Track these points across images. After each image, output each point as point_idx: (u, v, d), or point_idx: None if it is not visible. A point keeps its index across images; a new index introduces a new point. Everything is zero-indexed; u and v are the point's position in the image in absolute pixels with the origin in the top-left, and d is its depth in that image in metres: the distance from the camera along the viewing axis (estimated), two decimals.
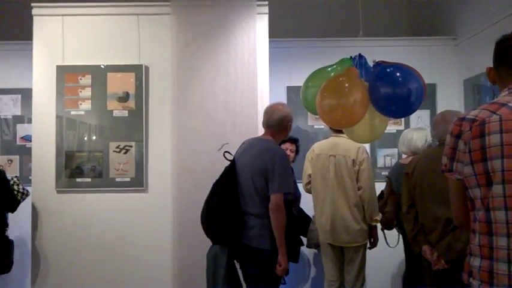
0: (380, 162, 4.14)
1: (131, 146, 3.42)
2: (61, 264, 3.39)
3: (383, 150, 4.11)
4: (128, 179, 3.41)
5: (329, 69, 2.71)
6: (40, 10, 3.51)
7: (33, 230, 3.41)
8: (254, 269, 2.42)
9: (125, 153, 3.42)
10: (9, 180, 3.31)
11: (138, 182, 3.41)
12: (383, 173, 3.91)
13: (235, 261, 2.53)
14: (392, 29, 4.75)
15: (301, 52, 4.22)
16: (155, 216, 3.40)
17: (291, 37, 4.35)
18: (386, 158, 4.11)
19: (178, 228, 3.33)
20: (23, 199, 3.36)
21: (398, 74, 2.34)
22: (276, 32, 3.72)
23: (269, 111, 2.61)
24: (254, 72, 3.35)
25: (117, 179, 3.42)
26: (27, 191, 3.40)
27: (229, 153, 2.60)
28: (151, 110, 3.46)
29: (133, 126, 3.43)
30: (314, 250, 3.91)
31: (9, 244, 3.24)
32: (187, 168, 3.35)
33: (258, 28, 3.42)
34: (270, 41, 3.49)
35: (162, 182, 3.41)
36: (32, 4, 3.51)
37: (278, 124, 2.56)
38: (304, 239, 3.52)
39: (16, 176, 3.51)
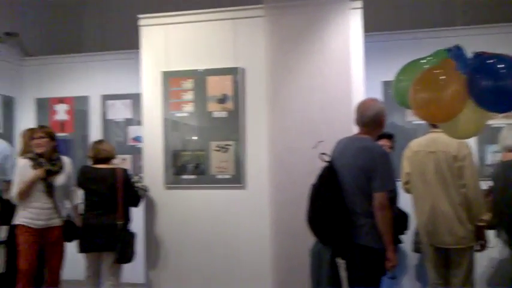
0: (488, 159, 3.84)
1: (230, 145, 3.59)
2: (169, 255, 3.69)
3: (492, 146, 3.80)
4: (228, 176, 3.59)
5: (423, 61, 2.58)
6: (146, 21, 3.83)
7: (145, 223, 3.75)
8: (361, 268, 2.41)
9: (225, 152, 3.60)
10: (132, 178, 3.64)
11: (237, 179, 3.57)
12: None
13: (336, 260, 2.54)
14: (495, 15, 4.36)
15: (397, 45, 4.08)
16: (254, 212, 3.54)
17: (387, 30, 4.22)
18: (496, 154, 3.80)
19: (276, 223, 3.43)
20: (144, 195, 3.68)
21: (501, 65, 2.16)
22: (370, 26, 3.63)
23: (361, 108, 2.57)
24: (348, 69, 3.31)
25: (218, 176, 3.62)
26: (146, 187, 3.71)
27: (325, 154, 2.61)
28: (249, 110, 3.60)
29: (232, 126, 3.60)
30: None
31: (132, 236, 3.48)
32: (283, 166, 3.43)
33: (352, 23, 3.38)
34: (364, 35, 3.43)
35: (259, 179, 3.53)
36: (138, 16, 3.84)
37: (372, 120, 2.51)
38: (402, 237, 3.41)
39: (138, 175, 3.88)
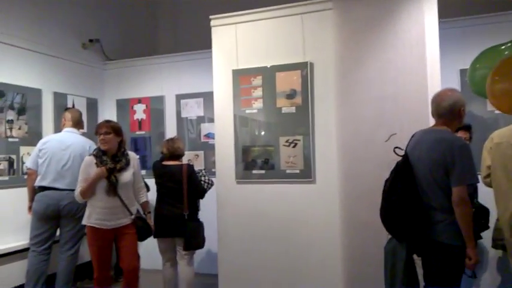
0: None
1: (299, 140, 3.61)
2: (239, 248, 3.78)
3: None
4: (297, 171, 3.61)
5: (502, 47, 2.41)
6: (217, 21, 3.95)
7: (217, 217, 3.89)
8: (439, 264, 2.32)
9: (294, 146, 3.63)
10: (197, 172, 3.86)
11: (307, 173, 3.58)
12: None
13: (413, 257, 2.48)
14: None
15: (475, 30, 3.85)
16: (323, 207, 3.53)
17: (464, 15, 3.99)
18: None
19: (346, 217, 3.40)
20: (209, 188, 3.89)
21: None
22: (446, 12, 3.46)
23: (437, 99, 2.46)
24: (423, 59, 3.18)
25: (288, 171, 3.65)
26: (211, 181, 3.92)
27: (400, 148, 2.53)
28: (317, 105, 3.59)
29: (301, 121, 3.61)
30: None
31: (198, 225, 3.73)
32: (353, 159, 3.39)
33: (426, 11, 3.23)
34: (440, 22, 3.27)
35: (329, 174, 3.51)
36: (210, 16, 3.97)
37: (449, 111, 2.39)
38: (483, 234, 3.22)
39: (204, 169, 4.09)
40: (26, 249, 3.92)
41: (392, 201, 2.41)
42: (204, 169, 4.20)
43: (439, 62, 3.23)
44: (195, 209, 3.79)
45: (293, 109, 3.65)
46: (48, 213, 3.75)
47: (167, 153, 3.79)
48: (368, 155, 3.30)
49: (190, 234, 3.65)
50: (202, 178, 3.90)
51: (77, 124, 4.11)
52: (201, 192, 3.80)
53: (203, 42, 4.45)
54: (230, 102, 3.85)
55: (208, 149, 4.90)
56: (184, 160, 3.98)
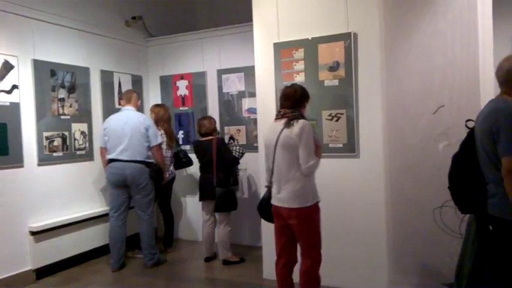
0: None
1: (342, 114, 3.56)
2: None
3: None
4: (340, 145, 3.57)
5: None
6: None
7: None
8: (498, 240, 2.25)
9: (337, 120, 3.58)
10: (228, 143, 4.50)
11: (350, 147, 3.54)
12: None
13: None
14: None
15: None
16: (367, 181, 3.48)
17: None
18: None
19: (391, 191, 3.36)
20: (240, 157, 4.42)
21: None
22: None
23: (497, 68, 2.33)
24: (475, 26, 3.01)
25: (330, 145, 3.62)
26: (243, 150, 4.48)
27: (472, 120, 2.44)
28: (361, 77, 3.50)
29: (344, 94, 3.55)
30: None
31: (228, 191, 4.26)
32: (399, 132, 3.31)
33: None
34: None
35: (373, 148, 3.45)
36: None
37: (506, 80, 2.26)
38: None
39: (236, 140, 4.68)
40: (105, 215, 4.55)
41: (452, 174, 2.41)
42: (236, 140, 4.73)
43: (491, 29, 3.06)
44: (227, 175, 4.28)
45: (336, 82, 3.59)
46: (116, 181, 4.21)
47: (199, 131, 4.41)
48: (414, 127, 3.21)
49: (219, 198, 4.22)
50: (234, 148, 4.43)
51: (132, 103, 4.44)
52: (231, 160, 4.28)
53: (243, 16, 4.42)
54: (272, 76, 3.83)
55: (250, 123, 4.94)
56: (227, 135, 4.35)
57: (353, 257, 3.56)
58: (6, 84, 3.85)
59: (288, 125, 2.72)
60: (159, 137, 4.41)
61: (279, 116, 2.83)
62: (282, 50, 3.78)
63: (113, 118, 4.34)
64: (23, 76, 4.02)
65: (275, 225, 2.91)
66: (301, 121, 2.72)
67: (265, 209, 2.91)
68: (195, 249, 4.94)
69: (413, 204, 3.22)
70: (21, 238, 3.94)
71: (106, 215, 4.52)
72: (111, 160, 4.23)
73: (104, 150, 4.36)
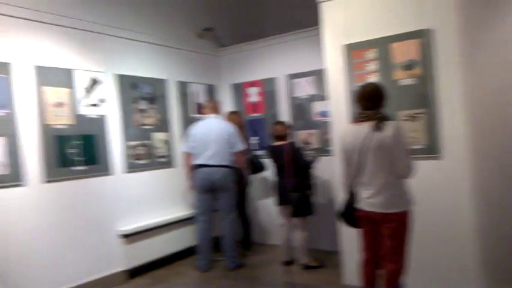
0: None
1: (421, 113, 3.42)
2: None
3: None
4: (421, 146, 3.43)
5: None
6: None
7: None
8: None
9: (415, 120, 3.45)
10: (301, 148, 4.54)
11: (432, 148, 3.39)
12: None
13: None
14: None
15: None
16: (451, 183, 3.31)
17: None
18: None
19: (479, 192, 3.16)
20: (313, 161, 4.40)
21: None
22: None
23: None
24: None
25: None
26: (316, 154, 4.58)
27: None
28: (440, 75, 3.35)
29: (421, 93, 3.41)
30: None
31: (303, 196, 4.26)
32: (485, 132, 3.12)
33: None
34: None
35: (456, 148, 3.27)
36: None
37: None
38: None
39: (308, 144, 4.81)
40: (188, 218, 4.87)
41: None
42: (309, 144, 4.87)
43: None
44: (301, 180, 4.27)
45: (412, 81, 3.46)
46: (204, 186, 4.42)
47: (272, 134, 4.46)
48: (502, 128, 3.01)
49: (295, 203, 4.24)
50: (307, 153, 4.52)
51: (215, 111, 4.65)
52: (303, 165, 4.30)
53: (310, 20, 4.43)
54: (343, 78, 3.79)
55: (322, 127, 4.91)
56: (299, 139, 4.30)
57: (439, 264, 3.39)
58: (94, 98, 4.19)
59: (377, 127, 2.64)
60: (241, 143, 4.57)
61: (361, 119, 2.76)
62: (352, 51, 3.73)
63: (199, 125, 4.56)
64: (109, 90, 4.36)
65: (364, 229, 2.86)
66: (393, 123, 2.66)
67: (349, 214, 2.87)
68: (273, 253, 5.00)
69: (504, 206, 3.01)
70: (112, 241, 4.26)
71: (189, 218, 4.78)
72: (199, 166, 4.44)
73: (188, 156, 4.57)
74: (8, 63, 3.55)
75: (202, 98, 5.43)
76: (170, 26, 5.13)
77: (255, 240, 5.48)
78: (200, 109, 5.30)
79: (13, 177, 3.52)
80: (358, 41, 3.70)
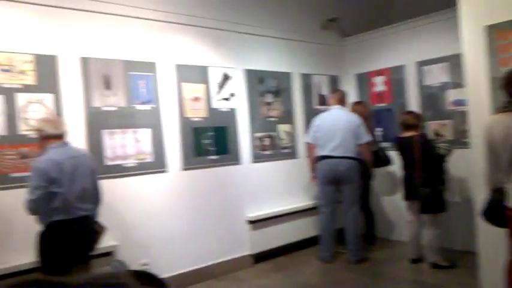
0: None
1: None
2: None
3: None
4: None
5: None
6: None
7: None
8: None
9: None
10: (433, 140, 4.27)
11: None
12: None
13: None
14: None
15: None
16: None
17: None
18: None
19: None
20: (447, 154, 4.07)
21: None
22: None
23: None
24: None
25: None
26: (450, 146, 4.09)
27: None
28: None
29: None
30: None
31: (436, 190, 4.01)
32: None
33: None
34: None
35: None
36: None
37: None
38: None
39: (441, 136, 4.44)
40: (311, 208, 4.95)
41: None
42: (442, 135, 4.50)
43: None
44: (433, 174, 4.02)
45: None
46: (328, 177, 4.41)
47: (401, 124, 4.27)
48: None
49: (425, 199, 4.01)
50: (439, 145, 4.11)
51: (341, 102, 4.60)
52: (435, 158, 4.02)
53: (441, 2, 4.10)
54: (484, 62, 3.43)
55: (457, 117, 4.53)
56: (430, 131, 4.12)
57: None
58: (225, 92, 4.48)
59: None
60: (367, 135, 4.47)
61: (509, 108, 2.51)
62: (496, 32, 3.35)
63: (324, 116, 4.57)
64: (238, 85, 4.61)
65: None
66: None
67: (495, 213, 2.62)
68: (399, 250, 4.81)
69: None
70: (241, 226, 4.53)
71: (312, 208, 4.86)
72: (323, 157, 4.44)
73: (312, 146, 4.61)
74: (154, 63, 3.99)
75: (325, 90, 5.42)
76: (294, 19, 5.20)
77: (379, 235, 5.31)
78: (323, 100, 5.30)
79: (157, 165, 3.96)
80: (504, 20, 3.31)
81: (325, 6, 5.53)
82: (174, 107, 4.12)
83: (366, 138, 4.43)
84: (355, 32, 5.62)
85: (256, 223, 4.58)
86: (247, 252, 4.54)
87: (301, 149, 5.08)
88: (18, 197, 2.96)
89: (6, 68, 3.20)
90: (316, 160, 4.53)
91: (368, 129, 4.69)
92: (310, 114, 5.09)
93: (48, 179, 2.71)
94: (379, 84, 5.29)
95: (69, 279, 0.52)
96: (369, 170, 4.63)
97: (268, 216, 4.66)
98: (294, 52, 5.18)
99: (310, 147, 4.66)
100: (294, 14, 5.21)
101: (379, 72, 5.28)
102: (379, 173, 5.07)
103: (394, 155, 4.61)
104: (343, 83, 5.67)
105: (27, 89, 3.28)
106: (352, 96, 5.54)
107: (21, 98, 3.25)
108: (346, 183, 4.40)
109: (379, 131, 5.26)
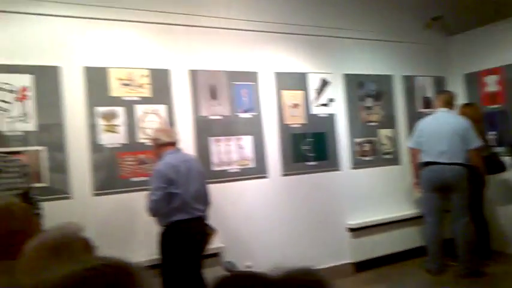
0: None
1: None
2: None
3: None
4: None
5: None
6: None
7: None
8: None
9: None
10: None
11: None
12: None
13: None
14: None
15: None
16: None
17: None
18: None
19: None
20: None
21: None
22: None
23: None
24: None
25: None
26: None
27: None
28: None
29: None
30: None
31: None
32: None
33: None
34: None
35: None
36: None
37: None
38: None
39: None
40: (415, 218, 4.68)
41: None
42: None
43: None
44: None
45: None
46: (434, 184, 4.17)
47: None
48: None
49: None
50: None
51: (448, 104, 4.33)
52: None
53: None
54: None
55: None
56: None
57: None
58: (324, 98, 4.47)
59: None
60: (477, 139, 4.15)
61: None
62: None
63: (429, 120, 4.35)
64: (336, 90, 4.57)
65: None
66: None
67: None
68: None
69: None
70: (341, 234, 4.46)
71: (416, 218, 4.62)
72: (428, 163, 4.23)
73: (415, 151, 4.40)
74: (256, 72, 4.13)
75: (430, 92, 5.14)
76: (393, 20, 5.01)
77: (494, 247, 4.86)
78: (427, 103, 5.04)
79: (258, 170, 4.08)
80: None
81: (427, 5, 5.23)
82: (274, 114, 4.21)
83: (476, 143, 4.11)
84: (461, 29, 5.24)
85: (357, 231, 4.48)
86: (347, 260, 4.45)
87: (404, 155, 4.86)
88: (138, 200, 3.26)
89: (126, 82, 3.55)
90: (420, 166, 4.31)
91: (479, 133, 4.34)
92: (414, 118, 4.85)
93: (167, 180, 2.96)
94: (492, 84, 4.86)
95: (267, 274, 0.57)
96: (481, 177, 4.27)
97: (370, 224, 4.53)
98: (394, 54, 4.99)
99: (413, 152, 4.45)
100: (393, 14, 5.02)
101: (491, 71, 4.86)
102: (493, 180, 4.65)
103: (509, 160, 4.21)
104: (450, 84, 5.31)
105: (144, 100, 3.60)
106: (461, 98, 5.17)
107: (139, 109, 3.58)
108: (454, 191, 4.12)
109: (492, 135, 4.83)
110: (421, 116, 4.70)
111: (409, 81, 5.03)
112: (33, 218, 1.82)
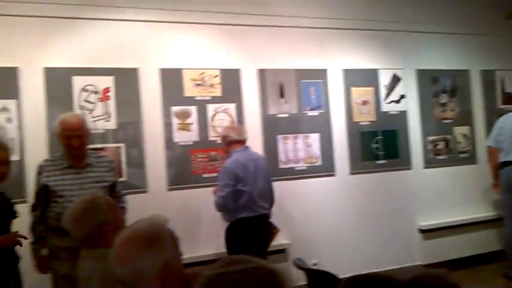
0: None
1: None
2: None
3: None
4: None
5: None
6: None
7: None
8: None
9: None
10: None
11: None
12: None
13: None
14: None
15: None
16: None
17: None
18: None
19: None
20: None
21: None
22: None
23: None
24: None
25: None
26: None
27: None
28: None
29: None
30: None
31: None
32: None
33: None
34: None
35: None
36: None
37: None
38: None
39: None
40: (492, 220, 4.46)
41: None
42: None
43: None
44: None
45: None
46: None
47: None
48: None
49: None
50: None
51: None
52: None
53: None
54: None
55: None
56: None
57: None
58: (395, 95, 4.34)
59: None
60: None
61: None
62: None
63: (510, 117, 4.09)
64: (408, 86, 4.41)
65: None
66: None
67: None
68: None
69: None
70: (411, 234, 4.32)
71: (494, 220, 4.38)
72: (507, 163, 3.99)
73: (494, 150, 4.17)
74: (325, 70, 4.11)
75: (510, 87, 4.79)
76: (470, 12, 4.71)
77: None
78: (510, 99, 4.71)
79: (326, 168, 4.06)
80: None
81: None
82: (342, 111, 4.16)
83: None
84: None
85: (429, 232, 4.31)
86: (418, 262, 4.30)
87: (482, 154, 4.58)
88: (207, 195, 3.39)
89: (199, 82, 3.70)
90: (499, 166, 4.06)
91: None
92: (493, 114, 4.57)
93: (235, 178, 3.05)
94: None
95: (393, 276, 0.58)
96: None
97: (443, 225, 4.34)
98: (471, 47, 4.71)
99: (492, 151, 4.20)
100: (469, 6, 4.72)
101: None
102: None
103: None
104: None
105: (214, 100, 3.72)
106: None
107: (210, 108, 3.71)
108: None
109: None
110: (502, 112, 4.43)
111: (488, 75, 4.74)
112: (119, 211, 1.97)
